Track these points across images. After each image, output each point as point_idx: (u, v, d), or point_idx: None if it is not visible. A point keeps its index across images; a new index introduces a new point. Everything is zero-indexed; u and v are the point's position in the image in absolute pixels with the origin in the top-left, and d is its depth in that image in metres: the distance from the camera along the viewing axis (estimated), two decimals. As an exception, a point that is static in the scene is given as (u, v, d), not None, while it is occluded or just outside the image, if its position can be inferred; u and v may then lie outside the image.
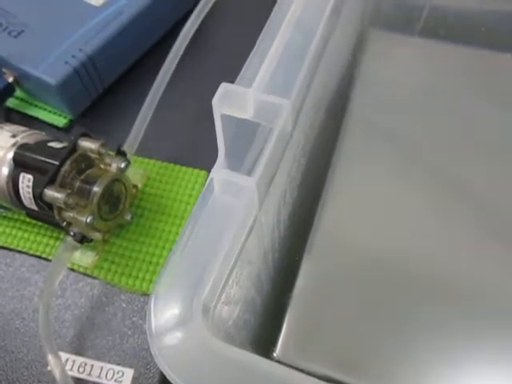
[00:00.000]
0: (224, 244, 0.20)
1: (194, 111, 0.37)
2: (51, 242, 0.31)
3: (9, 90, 0.35)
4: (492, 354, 0.27)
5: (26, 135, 0.29)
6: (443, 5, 0.38)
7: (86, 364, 0.28)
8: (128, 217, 0.30)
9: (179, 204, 0.32)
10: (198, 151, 0.34)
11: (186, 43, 0.34)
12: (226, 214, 0.20)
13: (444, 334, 0.27)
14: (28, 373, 0.28)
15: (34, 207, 0.28)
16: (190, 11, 0.34)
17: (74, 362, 0.28)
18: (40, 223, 0.31)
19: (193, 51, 0.34)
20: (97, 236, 0.29)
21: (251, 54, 0.24)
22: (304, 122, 0.27)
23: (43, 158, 0.27)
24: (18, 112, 0.36)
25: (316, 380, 0.17)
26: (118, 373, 0.28)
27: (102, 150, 0.28)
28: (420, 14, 0.38)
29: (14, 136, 0.29)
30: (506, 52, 0.37)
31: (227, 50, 0.39)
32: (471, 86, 0.36)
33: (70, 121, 0.36)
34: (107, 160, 0.29)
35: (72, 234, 0.28)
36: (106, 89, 0.37)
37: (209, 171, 0.21)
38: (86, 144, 0.28)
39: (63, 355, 0.28)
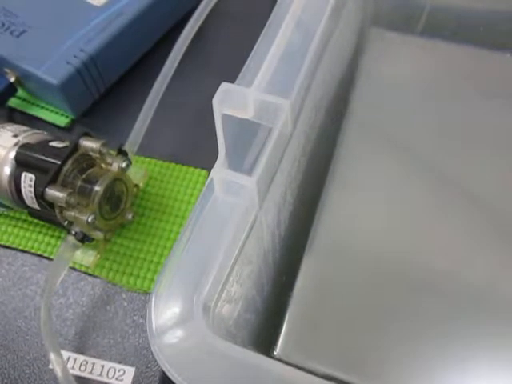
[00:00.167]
0: (224, 243, 0.20)
1: (194, 111, 0.37)
2: (53, 241, 0.31)
3: (11, 90, 0.35)
4: (493, 352, 0.27)
5: (27, 135, 0.29)
6: (444, 4, 0.38)
7: (87, 362, 0.28)
8: (129, 216, 0.30)
9: (180, 203, 0.32)
10: (198, 151, 0.35)
11: (187, 44, 0.34)
12: (226, 214, 0.20)
13: (444, 332, 0.27)
14: (30, 371, 0.28)
15: (36, 206, 0.28)
16: (191, 11, 0.34)
17: (75, 360, 0.28)
18: (42, 222, 0.31)
19: (193, 51, 0.35)
20: (98, 235, 0.29)
21: (251, 54, 0.24)
22: (304, 121, 0.27)
23: (45, 158, 0.27)
24: (20, 112, 0.37)
25: (316, 378, 0.17)
26: (119, 371, 0.28)
27: (104, 150, 0.28)
28: (420, 13, 0.38)
29: (15, 136, 0.29)
30: (506, 51, 0.37)
31: (228, 50, 0.39)
32: (472, 86, 0.36)
33: (72, 120, 0.36)
34: (108, 159, 0.29)
35: (73, 233, 0.28)
36: (108, 89, 0.37)
37: (209, 171, 0.21)
38: (88, 143, 0.28)
39: (65, 353, 0.28)
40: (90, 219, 0.27)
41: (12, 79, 0.35)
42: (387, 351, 0.27)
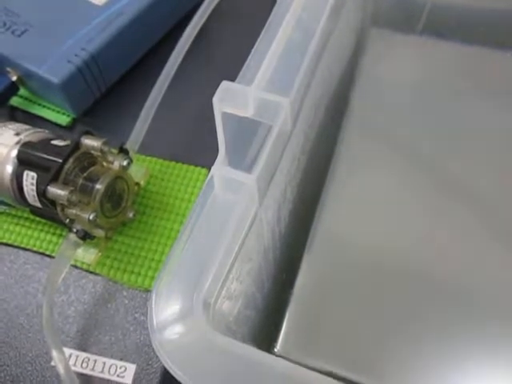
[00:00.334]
0: (224, 240, 0.20)
1: (195, 110, 0.37)
2: (54, 239, 0.31)
3: (12, 89, 0.35)
4: (493, 352, 0.27)
5: (29, 133, 0.30)
6: (444, 3, 0.38)
7: (89, 359, 0.28)
8: (130, 214, 0.31)
9: (181, 202, 0.33)
10: (199, 149, 0.35)
11: (189, 43, 0.34)
12: (226, 211, 0.21)
13: (444, 329, 0.28)
14: (32, 368, 0.28)
15: (38, 204, 0.28)
16: (192, 10, 0.35)
17: (77, 357, 0.28)
18: (43, 220, 0.32)
19: (195, 50, 0.35)
20: (99, 233, 0.29)
21: (252, 53, 0.24)
22: (304, 120, 0.27)
23: (46, 156, 0.28)
24: (22, 110, 0.37)
25: (317, 374, 0.17)
26: (120, 368, 0.28)
27: (105, 148, 0.28)
28: (421, 12, 0.38)
29: (17, 134, 0.29)
30: (507, 50, 0.37)
31: (229, 49, 0.39)
32: (472, 85, 0.36)
33: (73, 119, 0.36)
34: (110, 158, 0.29)
35: (75, 231, 0.28)
36: (109, 88, 0.37)
37: (210, 169, 0.21)
38: (89, 142, 0.28)
39: (66, 350, 0.28)
40: (91, 217, 0.27)
41: (14, 78, 0.35)
42: (386, 348, 0.28)
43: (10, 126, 0.30)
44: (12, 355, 0.29)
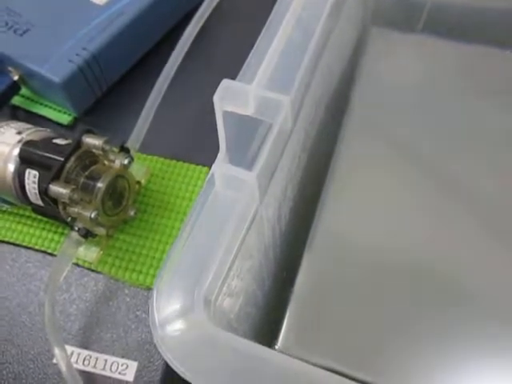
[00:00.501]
0: (225, 237, 0.20)
1: (195, 109, 0.37)
2: (56, 237, 0.32)
3: (14, 88, 0.35)
4: (493, 352, 0.27)
5: (31, 132, 0.30)
6: (444, 2, 0.38)
7: (90, 357, 0.28)
8: (131, 212, 0.31)
9: (181, 200, 0.33)
10: (199, 148, 0.35)
11: (189, 42, 0.34)
12: (227, 208, 0.21)
13: (444, 328, 0.28)
14: (34, 365, 0.28)
15: (40, 203, 0.28)
16: (193, 10, 0.35)
17: (79, 354, 0.28)
18: (45, 219, 0.32)
19: (195, 49, 0.35)
20: (101, 231, 0.29)
21: (252, 52, 0.24)
22: (304, 118, 0.27)
23: (48, 155, 0.28)
24: (23, 110, 0.37)
25: (317, 369, 0.17)
26: (122, 365, 0.28)
27: (106, 147, 0.28)
28: (421, 11, 0.38)
29: (19, 133, 0.29)
30: (507, 49, 0.37)
31: (229, 48, 0.40)
32: (472, 84, 0.36)
33: (74, 118, 0.37)
34: (111, 156, 0.29)
35: (77, 229, 0.28)
36: (110, 87, 0.38)
37: (210, 168, 0.21)
38: (90, 140, 0.28)
39: (68, 348, 0.28)
40: (92, 215, 0.27)
41: (15, 77, 0.35)
42: (386, 345, 0.28)
43: (12, 125, 0.30)
44: (14, 353, 0.29)
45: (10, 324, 0.30)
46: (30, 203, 0.29)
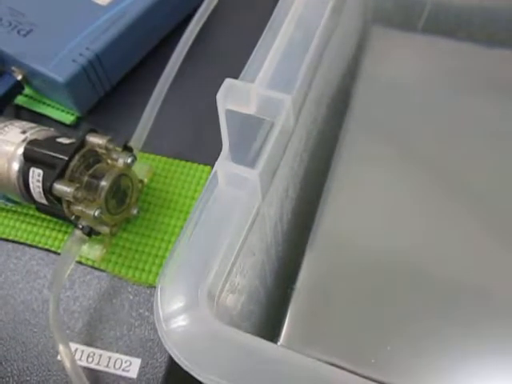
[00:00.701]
0: (227, 234, 0.20)
1: (198, 108, 0.37)
2: (60, 235, 0.32)
3: (18, 88, 0.36)
4: (493, 350, 0.27)
5: (35, 131, 0.30)
6: (445, 1, 0.38)
7: (94, 354, 0.29)
8: (134, 211, 0.31)
9: (184, 199, 0.33)
10: (202, 147, 0.35)
11: (190, 42, 0.34)
12: (230, 205, 0.21)
13: (443, 327, 0.28)
14: (38, 362, 0.29)
15: (44, 201, 0.29)
16: (195, 10, 0.35)
17: (82, 351, 0.29)
18: (49, 217, 0.32)
19: (197, 49, 0.35)
20: (104, 229, 0.30)
21: (254, 51, 0.24)
22: (306, 117, 0.27)
23: (52, 153, 0.28)
24: (27, 109, 0.37)
25: (320, 363, 0.18)
26: (125, 362, 0.28)
27: (110, 146, 0.29)
28: (422, 11, 0.38)
29: (23, 132, 0.30)
30: (507, 48, 0.37)
31: (230, 47, 0.40)
32: (473, 83, 0.36)
33: (78, 118, 0.37)
34: (114, 155, 0.29)
35: (80, 227, 0.28)
36: (113, 86, 0.38)
37: (213, 167, 0.21)
38: (94, 139, 0.29)
39: (72, 345, 0.29)
40: (96, 213, 0.27)
41: (19, 77, 0.35)
42: (387, 342, 0.28)
43: (16, 124, 0.31)
44: (18, 350, 0.29)
45: (15, 321, 0.30)
46: (34, 202, 0.29)
